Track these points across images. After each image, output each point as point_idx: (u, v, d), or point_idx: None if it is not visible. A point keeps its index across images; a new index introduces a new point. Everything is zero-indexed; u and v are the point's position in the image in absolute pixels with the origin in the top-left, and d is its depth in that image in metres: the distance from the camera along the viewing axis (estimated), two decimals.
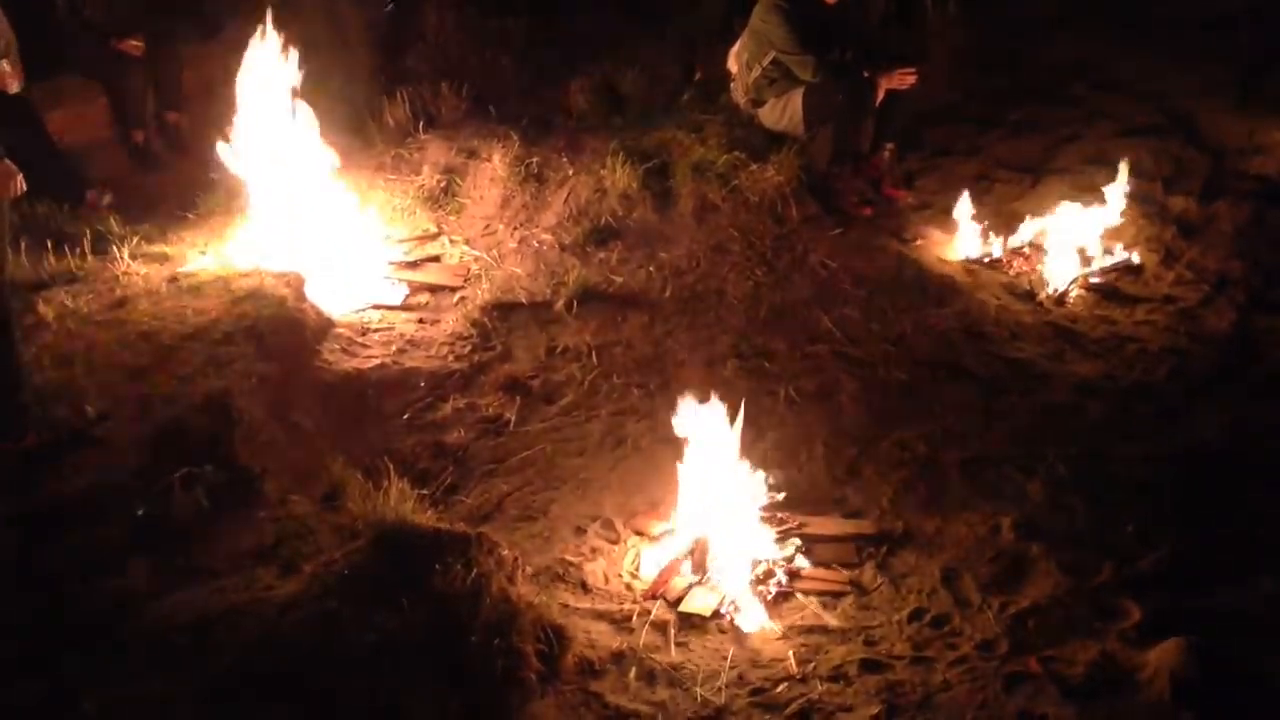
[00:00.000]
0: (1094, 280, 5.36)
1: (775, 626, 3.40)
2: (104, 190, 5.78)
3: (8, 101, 5.30)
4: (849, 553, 3.72)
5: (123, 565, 3.24)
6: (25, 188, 3.67)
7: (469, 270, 5.40)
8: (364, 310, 5.11)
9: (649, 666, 3.20)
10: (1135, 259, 5.50)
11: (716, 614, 3.46)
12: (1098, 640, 3.19)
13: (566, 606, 3.44)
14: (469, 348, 4.83)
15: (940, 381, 4.60)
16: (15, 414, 3.70)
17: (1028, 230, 5.63)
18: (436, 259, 5.54)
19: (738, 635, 3.38)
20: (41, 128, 5.72)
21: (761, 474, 3.77)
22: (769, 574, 3.58)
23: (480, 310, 5.00)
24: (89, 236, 4.99)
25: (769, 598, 3.50)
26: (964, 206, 5.61)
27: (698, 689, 3.12)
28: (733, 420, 3.62)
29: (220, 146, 5.22)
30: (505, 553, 3.25)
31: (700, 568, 3.59)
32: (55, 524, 3.38)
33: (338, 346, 4.80)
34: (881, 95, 5.68)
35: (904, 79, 5.65)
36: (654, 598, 3.51)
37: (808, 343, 4.79)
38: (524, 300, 5.10)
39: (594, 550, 3.77)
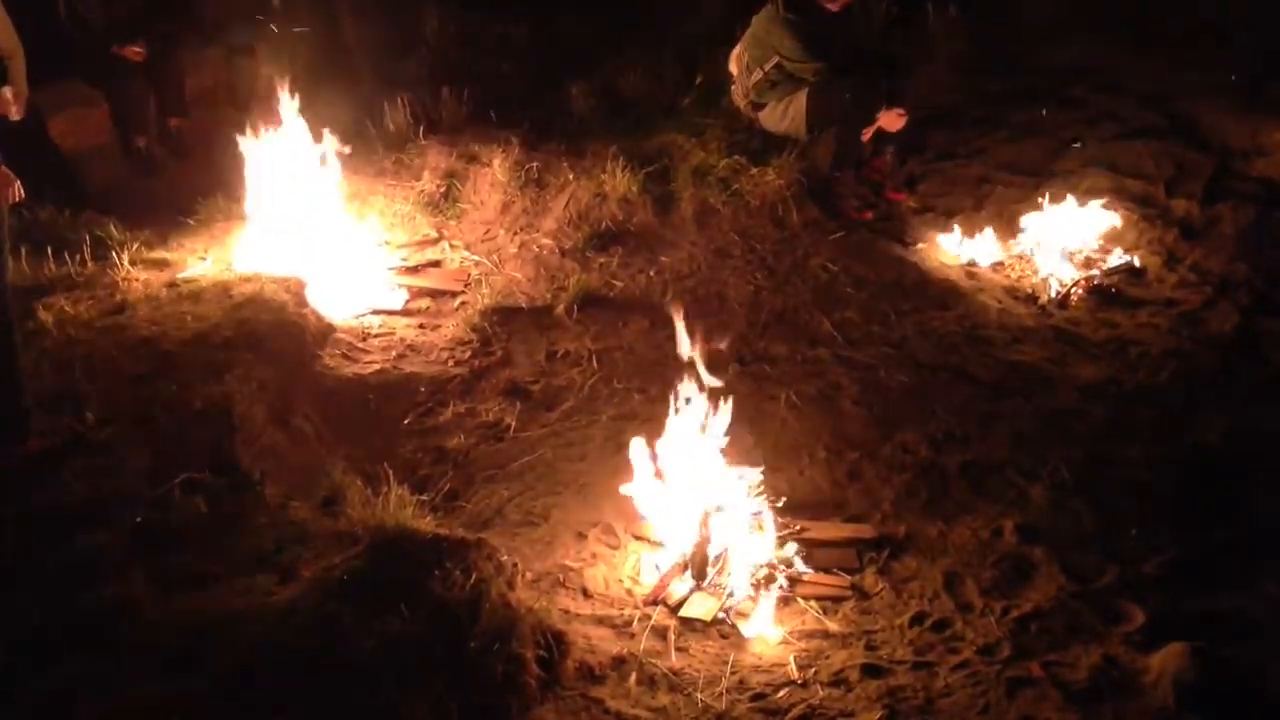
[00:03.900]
0: (1096, 283, 5.34)
1: (776, 631, 3.39)
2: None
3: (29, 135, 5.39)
4: (850, 557, 3.71)
5: (123, 571, 3.22)
6: (24, 194, 3.67)
7: (469, 275, 5.40)
8: (364, 315, 5.12)
9: (650, 672, 3.18)
10: (1137, 262, 5.48)
11: (717, 619, 3.44)
12: (1100, 644, 3.17)
13: (567, 612, 3.43)
14: (469, 353, 4.83)
15: (942, 385, 4.58)
16: (16, 419, 3.70)
17: (1030, 233, 5.62)
18: (437, 264, 5.55)
19: (738, 640, 3.36)
20: (45, 134, 5.74)
21: (762, 478, 3.76)
22: (770, 579, 3.57)
23: (481, 315, 5.00)
24: (89, 242, 5.00)
25: (770, 602, 3.47)
26: (966, 210, 5.60)
27: (699, 694, 3.10)
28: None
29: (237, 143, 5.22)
30: (505, 558, 3.24)
31: (701, 573, 3.57)
32: (56, 529, 3.38)
33: (338, 352, 4.80)
34: (873, 132, 5.68)
35: (898, 120, 5.64)
36: (655, 603, 3.50)
37: (809, 346, 4.78)
38: (524, 305, 5.10)
39: (594, 555, 3.75)
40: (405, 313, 5.18)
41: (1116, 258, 5.50)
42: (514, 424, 4.42)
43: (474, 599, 3.00)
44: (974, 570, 3.57)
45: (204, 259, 5.17)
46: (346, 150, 5.59)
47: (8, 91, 5.26)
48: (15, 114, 5.30)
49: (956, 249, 5.59)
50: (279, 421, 4.10)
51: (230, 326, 4.43)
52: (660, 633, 3.37)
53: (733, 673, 3.20)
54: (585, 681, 3.12)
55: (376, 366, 4.73)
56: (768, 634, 3.38)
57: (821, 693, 3.10)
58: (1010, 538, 3.68)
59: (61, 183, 5.66)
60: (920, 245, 5.60)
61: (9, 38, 5.36)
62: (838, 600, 3.54)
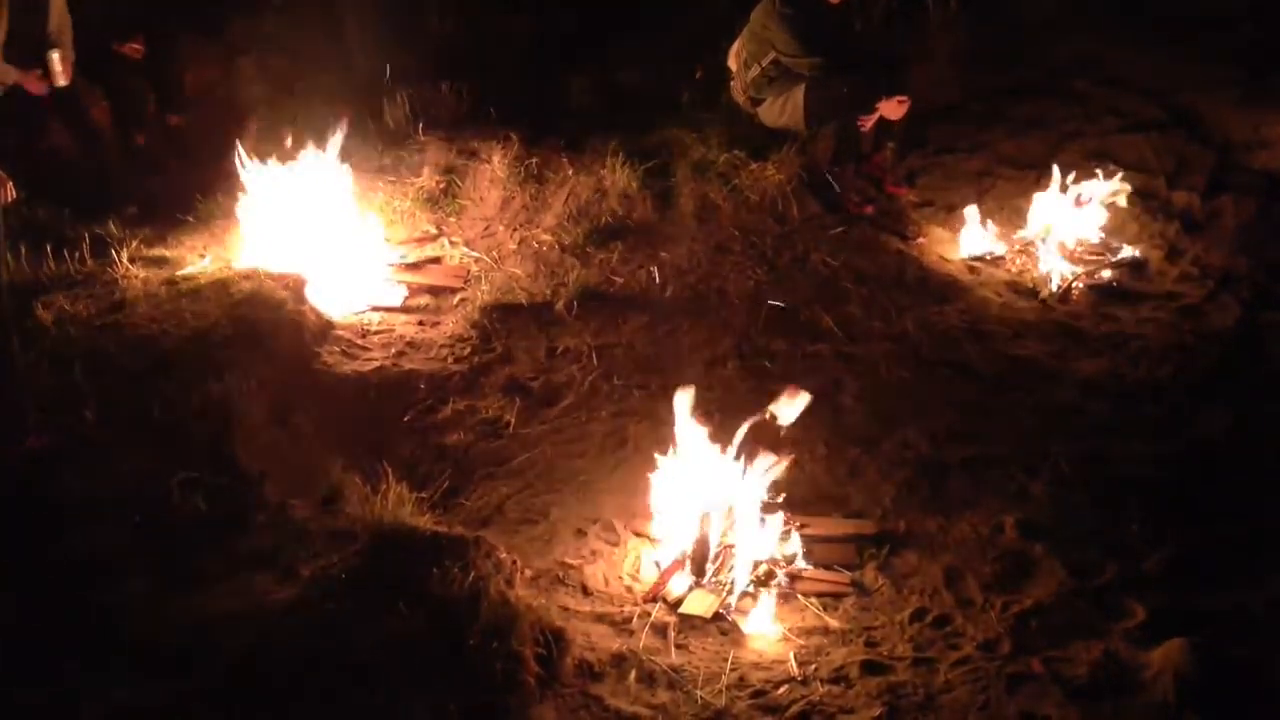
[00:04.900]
0: (1097, 278, 5.33)
1: (776, 628, 3.38)
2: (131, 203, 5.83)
3: (69, 107, 5.53)
4: (850, 553, 3.70)
5: (122, 570, 3.22)
6: (15, 194, 3.66)
7: (469, 272, 5.39)
8: (364, 312, 5.11)
9: (649, 669, 3.17)
10: (1139, 255, 5.47)
11: (717, 616, 3.44)
12: (1101, 640, 3.16)
13: (566, 609, 3.42)
14: (469, 349, 4.82)
15: (943, 380, 4.58)
16: (15, 418, 3.70)
17: (1031, 227, 5.60)
18: (436, 260, 5.53)
19: (738, 637, 3.36)
20: (98, 137, 5.77)
21: (763, 474, 3.75)
22: (770, 575, 3.56)
23: (480, 312, 4.99)
24: (88, 240, 4.99)
25: (770, 599, 3.46)
26: (967, 204, 5.59)
27: (698, 691, 3.10)
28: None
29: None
30: (504, 556, 3.24)
31: (700, 569, 3.57)
32: (54, 528, 3.38)
33: (337, 349, 4.79)
34: (875, 120, 5.65)
35: (899, 107, 5.61)
36: (654, 600, 3.49)
37: (809, 342, 4.77)
38: (524, 301, 5.08)
39: (594, 552, 3.75)
40: (405, 310, 5.16)
41: (1118, 251, 5.49)
42: (513, 421, 4.41)
43: (473, 597, 3.00)
44: (974, 566, 3.57)
45: (203, 256, 5.16)
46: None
47: (56, 55, 5.27)
48: (64, 79, 5.32)
49: (957, 243, 5.57)
50: (278, 420, 4.09)
51: (229, 324, 4.42)
52: (660, 630, 3.36)
53: (732, 670, 3.19)
54: (585, 679, 3.11)
55: (376, 364, 4.72)
56: (767, 631, 3.37)
57: (821, 689, 3.10)
58: (1011, 533, 3.68)
59: (100, 187, 5.69)
60: (921, 240, 5.59)
61: (62, 11, 5.41)
62: (838, 596, 3.53)
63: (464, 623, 2.93)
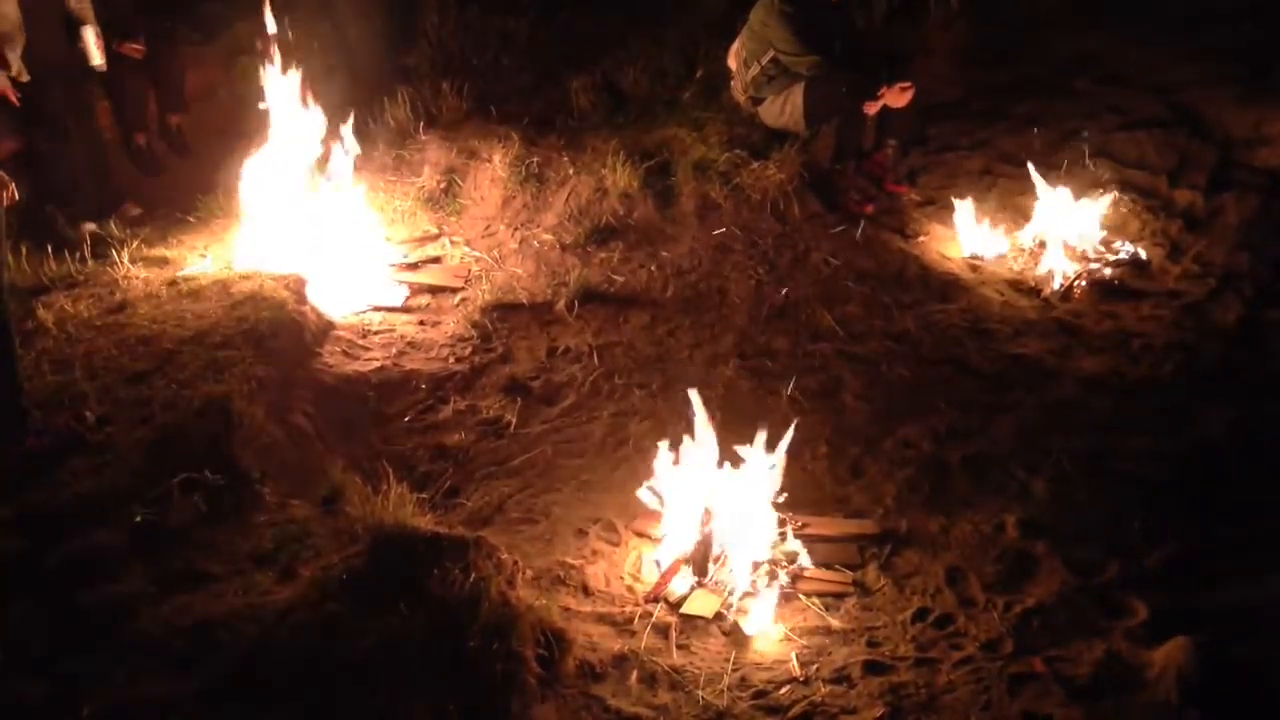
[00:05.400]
0: (1099, 275, 5.32)
1: (778, 628, 3.37)
2: (134, 204, 5.81)
3: (75, 107, 5.45)
4: (852, 553, 3.70)
5: (122, 570, 3.21)
6: (18, 195, 3.65)
7: (469, 271, 5.39)
8: (364, 312, 5.11)
9: (650, 669, 3.17)
10: (1141, 253, 5.46)
11: (718, 616, 3.43)
12: (1104, 639, 3.16)
13: (567, 609, 3.41)
14: (470, 349, 4.81)
15: (944, 378, 4.57)
16: (14, 418, 3.69)
17: (1032, 225, 5.59)
18: (437, 260, 5.53)
19: (740, 637, 3.35)
20: (99, 141, 5.75)
21: (763, 473, 3.75)
22: (771, 575, 3.56)
23: (481, 311, 4.99)
24: (89, 240, 4.98)
25: (771, 599, 3.46)
26: (967, 202, 5.58)
27: (700, 692, 3.09)
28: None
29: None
30: (505, 556, 3.23)
31: (702, 569, 3.56)
32: (54, 528, 3.37)
33: (338, 349, 4.78)
34: (879, 107, 5.64)
35: (903, 94, 5.59)
36: (655, 600, 3.49)
37: (810, 341, 4.77)
38: (525, 301, 5.08)
39: (595, 552, 3.74)
40: (405, 309, 5.16)
41: (1120, 249, 5.47)
42: (514, 421, 4.40)
43: (474, 597, 2.99)
44: (976, 565, 3.56)
45: (204, 256, 5.16)
46: (355, 151, 5.60)
47: (91, 32, 5.20)
48: (99, 57, 5.28)
49: (958, 241, 5.56)
50: (278, 419, 4.08)
51: (230, 324, 4.41)
52: (661, 630, 3.36)
53: (734, 670, 3.19)
54: (586, 679, 3.11)
55: (376, 363, 4.72)
56: (769, 631, 3.37)
57: (823, 690, 3.09)
58: (1012, 532, 3.67)
59: (103, 188, 5.68)
60: (922, 238, 5.58)
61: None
62: (840, 596, 3.53)
63: (464, 623, 2.92)
